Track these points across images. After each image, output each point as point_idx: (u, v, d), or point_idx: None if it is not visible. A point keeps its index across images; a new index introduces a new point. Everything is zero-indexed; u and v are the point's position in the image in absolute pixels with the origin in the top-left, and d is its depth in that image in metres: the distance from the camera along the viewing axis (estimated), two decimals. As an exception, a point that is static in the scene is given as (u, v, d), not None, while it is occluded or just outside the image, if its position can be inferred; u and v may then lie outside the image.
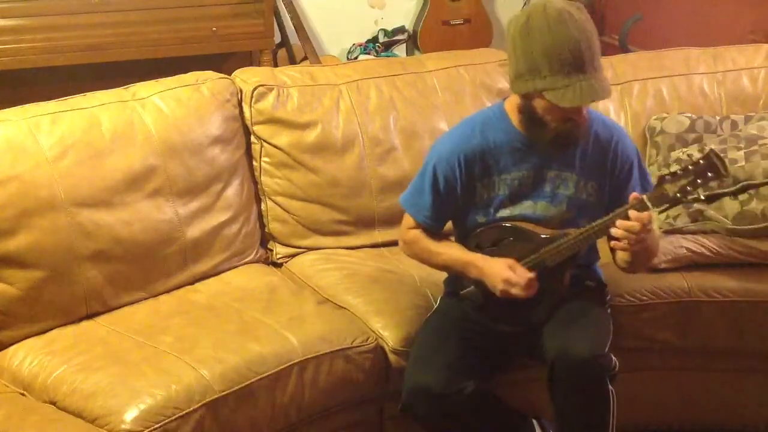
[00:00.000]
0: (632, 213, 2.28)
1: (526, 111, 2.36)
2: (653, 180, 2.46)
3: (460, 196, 2.49)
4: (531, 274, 2.40)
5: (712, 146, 2.24)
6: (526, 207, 2.48)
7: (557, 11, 2.25)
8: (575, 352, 2.33)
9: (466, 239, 2.56)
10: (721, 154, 2.27)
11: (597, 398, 2.38)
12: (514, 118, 2.44)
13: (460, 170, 2.46)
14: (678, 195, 2.27)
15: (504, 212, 2.49)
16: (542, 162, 2.45)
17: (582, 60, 2.24)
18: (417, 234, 2.58)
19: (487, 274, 2.45)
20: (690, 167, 2.26)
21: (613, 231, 2.31)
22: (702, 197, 2.28)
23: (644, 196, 2.30)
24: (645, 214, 2.28)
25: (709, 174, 2.24)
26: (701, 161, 2.25)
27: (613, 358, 2.40)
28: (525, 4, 5.49)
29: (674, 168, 2.42)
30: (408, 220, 2.59)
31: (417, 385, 2.42)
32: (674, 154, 3.07)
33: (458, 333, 2.53)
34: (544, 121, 2.33)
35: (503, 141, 2.45)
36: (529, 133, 2.41)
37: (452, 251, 2.54)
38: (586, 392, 2.37)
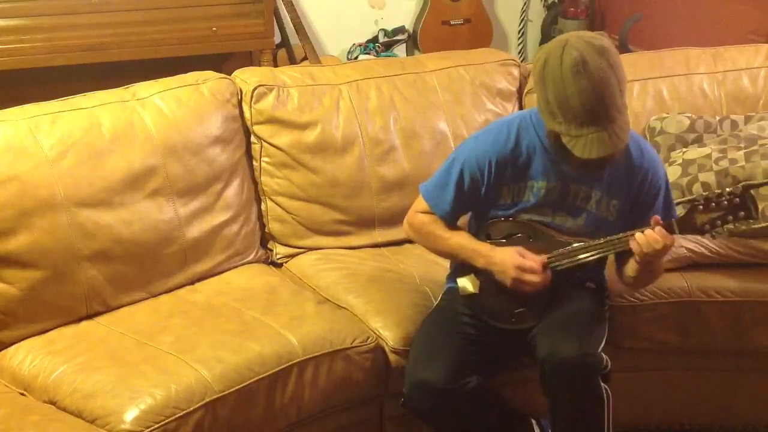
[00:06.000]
0: (659, 229, 2.29)
1: (553, 138, 2.34)
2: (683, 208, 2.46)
3: (483, 195, 2.49)
4: (543, 258, 2.40)
5: (744, 185, 2.29)
6: (547, 216, 2.48)
7: (572, 60, 2.19)
8: (563, 352, 2.33)
9: (478, 228, 2.56)
10: (748, 182, 2.30)
11: (587, 397, 2.39)
12: None
13: (489, 173, 2.45)
14: (706, 226, 2.30)
15: (524, 217, 2.49)
16: (571, 175, 2.43)
17: (594, 114, 2.19)
18: (426, 218, 2.57)
19: (496, 263, 2.45)
20: (724, 202, 2.27)
21: (638, 236, 2.31)
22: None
23: (673, 220, 2.32)
24: (670, 237, 2.30)
25: (741, 213, 2.27)
26: (737, 199, 2.26)
27: (605, 357, 2.41)
28: (525, 4, 5.49)
29: (698, 188, 2.44)
30: (420, 205, 2.58)
31: (419, 379, 2.43)
32: (674, 155, 3.07)
33: (459, 329, 2.53)
34: (570, 152, 2.29)
35: (537, 148, 2.44)
36: (557, 154, 2.38)
37: (460, 238, 2.54)
38: (576, 391, 2.38)
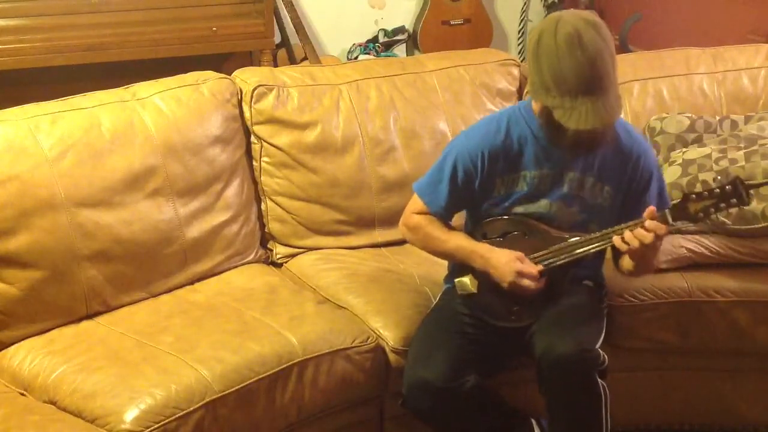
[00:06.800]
0: (649, 223, 2.30)
1: (545, 117, 2.36)
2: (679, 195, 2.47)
3: (477, 189, 2.50)
4: (539, 267, 2.42)
5: (739, 175, 2.32)
6: (541, 206, 2.48)
7: (566, 34, 2.23)
8: (560, 349, 2.34)
9: (474, 228, 2.56)
10: (746, 181, 2.31)
11: (585, 393, 2.39)
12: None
13: (482, 165, 2.47)
14: (699, 215, 2.31)
15: (519, 209, 2.50)
16: (563, 162, 2.45)
17: (588, 85, 2.23)
18: (422, 220, 2.57)
19: (493, 265, 2.45)
20: (717, 190, 2.29)
21: (626, 235, 2.32)
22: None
23: (666, 211, 2.32)
24: (662, 226, 2.30)
25: (733, 200, 2.28)
26: (728, 187, 2.27)
27: (602, 353, 2.41)
28: (525, 4, 5.50)
29: (699, 188, 2.47)
30: (415, 205, 2.59)
31: (418, 379, 2.43)
32: (674, 155, 3.07)
33: (458, 328, 2.54)
34: (562, 128, 2.31)
35: (528, 138, 2.46)
36: (549, 137, 2.40)
37: (458, 239, 2.54)
38: (574, 388, 2.38)
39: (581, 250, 2.42)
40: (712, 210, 2.29)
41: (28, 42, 3.92)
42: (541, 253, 2.44)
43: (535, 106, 2.42)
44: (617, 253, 2.52)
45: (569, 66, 2.23)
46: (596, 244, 2.40)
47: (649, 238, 2.30)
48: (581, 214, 2.48)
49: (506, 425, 2.60)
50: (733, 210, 2.40)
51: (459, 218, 2.66)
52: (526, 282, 2.41)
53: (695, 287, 2.81)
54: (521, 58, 5.46)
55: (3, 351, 2.55)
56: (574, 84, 2.23)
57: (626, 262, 2.49)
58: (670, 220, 2.31)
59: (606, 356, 2.41)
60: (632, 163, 2.47)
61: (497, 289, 2.48)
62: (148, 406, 2.26)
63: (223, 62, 4.22)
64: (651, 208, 2.33)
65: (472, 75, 3.27)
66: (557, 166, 2.46)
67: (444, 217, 2.56)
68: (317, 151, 3.03)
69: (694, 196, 2.31)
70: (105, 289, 2.67)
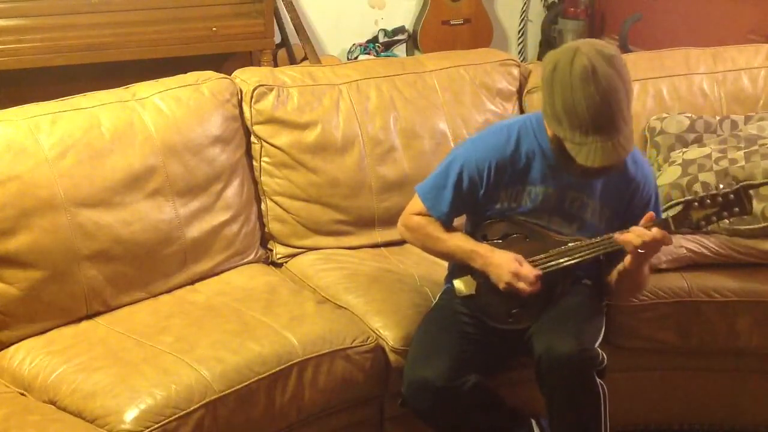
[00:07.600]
0: (656, 229, 2.30)
1: (556, 144, 2.33)
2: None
3: (481, 198, 2.49)
4: (537, 271, 2.41)
5: (742, 183, 2.33)
6: (542, 220, 2.48)
7: (582, 67, 2.18)
8: (559, 348, 2.34)
9: (474, 229, 2.56)
10: (746, 182, 2.32)
11: (584, 392, 2.39)
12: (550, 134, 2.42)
13: (488, 175, 2.46)
14: (702, 222, 2.32)
15: (520, 218, 2.49)
16: (568, 182, 2.44)
17: (600, 122, 2.19)
18: (422, 220, 2.57)
19: (493, 265, 2.45)
20: (719, 198, 2.29)
21: (633, 228, 2.32)
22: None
23: (669, 218, 2.33)
24: (669, 236, 2.31)
25: (735, 209, 2.28)
26: (731, 195, 2.28)
27: (601, 352, 2.41)
28: (525, 4, 5.50)
29: (699, 188, 2.47)
30: (416, 206, 2.58)
31: (418, 378, 2.43)
32: (674, 155, 3.07)
33: (458, 328, 2.53)
34: (572, 157, 2.28)
35: (536, 154, 2.44)
36: (558, 161, 2.38)
37: (457, 239, 2.54)
38: (573, 387, 2.38)
39: (581, 254, 2.42)
40: (714, 218, 2.30)
41: (28, 42, 3.92)
42: (541, 256, 2.44)
43: (548, 130, 2.39)
44: (607, 271, 2.53)
45: (581, 101, 2.18)
46: (597, 249, 2.40)
47: (649, 236, 2.30)
48: (579, 233, 2.47)
49: (506, 425, 2.60)
50: (734, 218, 2.41)
51: (460, 218, 2.66)
52: (522, 285, 2.41)
53: (695, 287, 2.81)
54: (521, 58, 5.47)
55: (3, 351, 2.55)
56: (585, 120, 2.19)
57: (616, 273, 2.49)
58: (672, 227, 2.32)
59: (605, 356, 2.42)
60: (632, 189, 2.46)
61: (496, 291, 2.48)
62: (148, 406, 2.26)
63: (223, 62, 4.22)
64: (650, 214, 2.33)
65: (472, 75, 3.26)
66: (562, 185, 2.45)
67: (445, 223, 2.55)
68: (317, 151, 3.03)
69: (696, 203, 2.30)
70: (105, 289, 2.67)
